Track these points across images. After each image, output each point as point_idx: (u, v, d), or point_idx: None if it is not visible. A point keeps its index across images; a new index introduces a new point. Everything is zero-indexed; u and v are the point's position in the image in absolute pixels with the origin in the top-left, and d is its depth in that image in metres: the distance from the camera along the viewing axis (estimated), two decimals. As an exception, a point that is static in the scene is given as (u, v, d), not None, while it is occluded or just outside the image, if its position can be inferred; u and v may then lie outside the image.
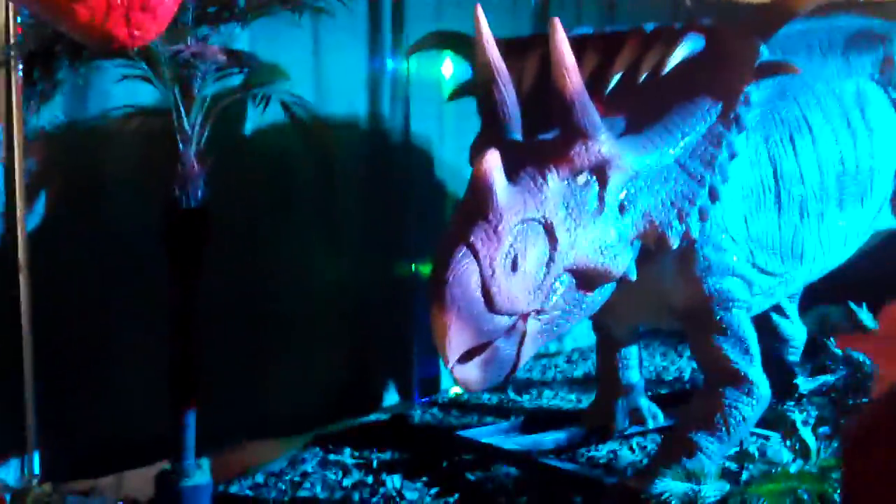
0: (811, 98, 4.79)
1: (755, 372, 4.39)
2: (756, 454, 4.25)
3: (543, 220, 3.63)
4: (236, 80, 4.50)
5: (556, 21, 3.58)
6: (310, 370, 5.44)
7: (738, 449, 4.36)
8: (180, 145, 4.23)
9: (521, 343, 3.68)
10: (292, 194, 5.31)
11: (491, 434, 5.25)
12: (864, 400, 4.76)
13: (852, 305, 4.85)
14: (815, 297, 5.52)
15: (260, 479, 4.88)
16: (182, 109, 4.20)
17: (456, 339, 3.46)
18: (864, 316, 4.83)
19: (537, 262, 3.62)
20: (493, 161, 3.54)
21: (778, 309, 5.61)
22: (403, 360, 5.98)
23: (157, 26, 2.63)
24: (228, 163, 4.61)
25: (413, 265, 5.91)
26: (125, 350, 4.73)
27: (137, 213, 4.59)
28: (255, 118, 4.97)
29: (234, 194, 4.84)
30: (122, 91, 4.48)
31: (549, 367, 6.70)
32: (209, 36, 4.21)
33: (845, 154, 4.79)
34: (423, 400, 6.01)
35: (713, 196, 4.04)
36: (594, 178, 3.76)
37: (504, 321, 3.58)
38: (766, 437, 4.80)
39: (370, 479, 4.84)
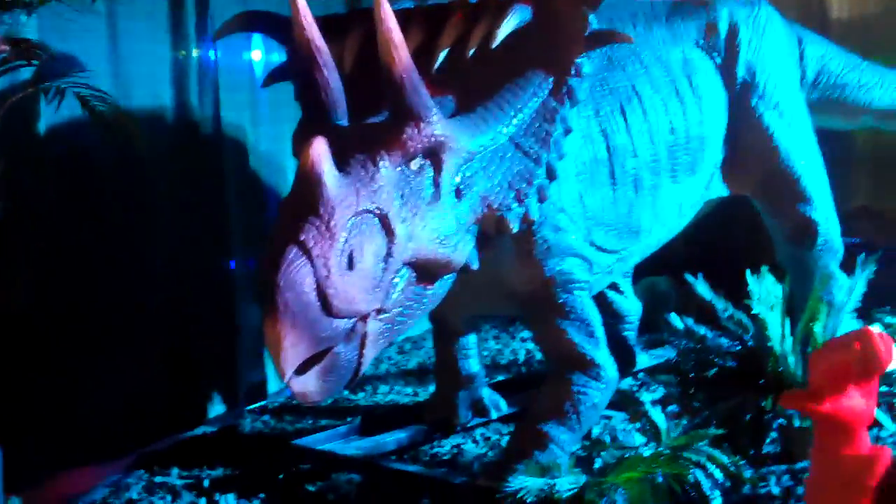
0: (639, 67, 4.72)
1: (602, 355, 4.29)
2: (608, 440, 4.14)
3: (378, 212, 3.40)
4: (25, 73, 4.12)
5: None
6: (126, 385, 5.00)
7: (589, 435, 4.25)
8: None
9: (362, 347, 3.43)
10: (97, 196, 4.88)
11: (328, 440, 4.97)
12: (710, 374, 4.73)
13: (688, 276, 4.77)
14: (641, 268, 5.44)
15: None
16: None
17: (291, 350, 3.19)
18: (701, 287, 4.76)
19: (375, 257, 3.38)
20: (320, 150, 3.27)
21: (611, 284, 5.52)
22: (228, 367, 5.63)
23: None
24: (23, 166, 4.20)
25: (233, 264, 5.56)
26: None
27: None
28: (50, 115, 4.51)
29: (31, 200, 4.41)
30: None
31: (381, 359, 6.44)
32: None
33: (675, 123, 4.74)
34: (252, 407, 5.66)
35: (550, 174, 3.92)
36: (428, 162, 3.55)
37: (343, 324, 3.33)
38: (609, 418, 4.75)
39: (202, 502, 4.49)
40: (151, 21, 5.15)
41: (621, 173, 4.51)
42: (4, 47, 3.78)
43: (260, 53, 5.66)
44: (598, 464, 3.90)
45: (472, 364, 5.07)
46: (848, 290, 4.83)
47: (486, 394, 5.13)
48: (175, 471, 4.82)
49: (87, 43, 4.64)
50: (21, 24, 4.10)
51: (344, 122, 3.57)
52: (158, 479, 4.75)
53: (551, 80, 3.87)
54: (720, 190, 5.17)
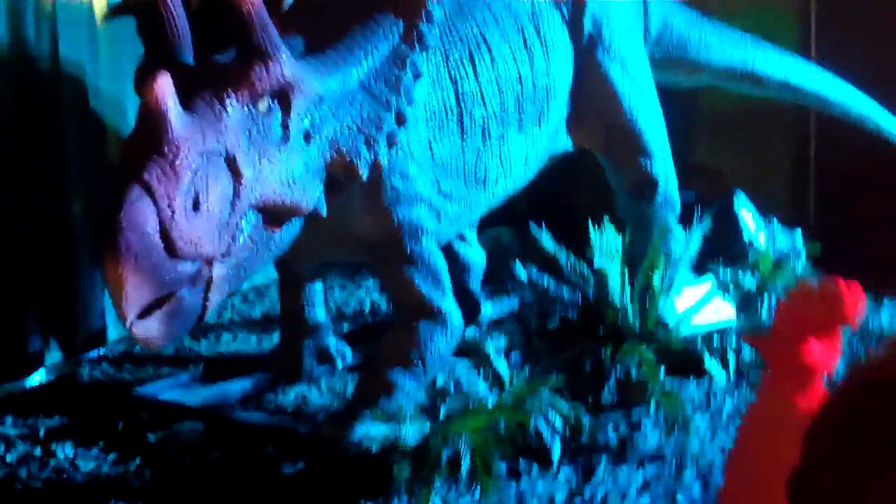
0: (488, 15, 4.71)
1: (448, 303, 4.32)
2: (452, 388, 4.16)
3: (225, 153, 3.32)
4: None
5: None
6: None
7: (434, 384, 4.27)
8: None
9: (206, 291, 3.36)
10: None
11: (170, 388, 4.86)
12: (552, 324, 4.82)
13: (533, 227, 4.82)
14: (487, 219, 5.47)
15: None
16: None
17: (134, 293, 3.09)
18: (544, 238, 4.83)
19: (221, 199, 3.31)
20: (164, 87, 3.16)
21: (457, 235, 5.54)
22: (64, 312, 5.43)
23: None
24: None
25: (70, 204, 5.34)
26: None
27: None
28: None
29: None
30: None
31: (225, 308, 6.32)
32: None
33: (523, 73, 4.75)
34: (90, 355, 5.47)
35: (400, 120, 3.91)
36: (277, 103, 3.49)
37: (187, 268, 3.25)
38: (454, 367, 4.77)
39: (38, 451, 4.33)
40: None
41: (469, 121, 4.50)
42: None
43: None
44: (442, 412, 3.91)
45: (318, 312, 5.02)
46: (684, 243, 4.98)
47: (332, 343, 5.09)
48: (8, 420, 4.64)
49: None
50: None
51: (189, 59, 3.45)
52: (-9, 428, 4.58)
53: (402, 24, 3.84)
54: (565, 143, 5.21)
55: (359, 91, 3.76)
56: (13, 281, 5.12)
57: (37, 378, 5.19)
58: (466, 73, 4.49)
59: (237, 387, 4.87)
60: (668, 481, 3.88)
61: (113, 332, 5.65)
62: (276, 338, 5.36)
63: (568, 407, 4.05)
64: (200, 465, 4.16)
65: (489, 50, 4.61)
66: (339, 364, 5.07)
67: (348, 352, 5.13)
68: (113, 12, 4.16)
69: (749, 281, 5.42)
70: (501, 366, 4.20)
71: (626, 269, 4.66)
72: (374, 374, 4.29)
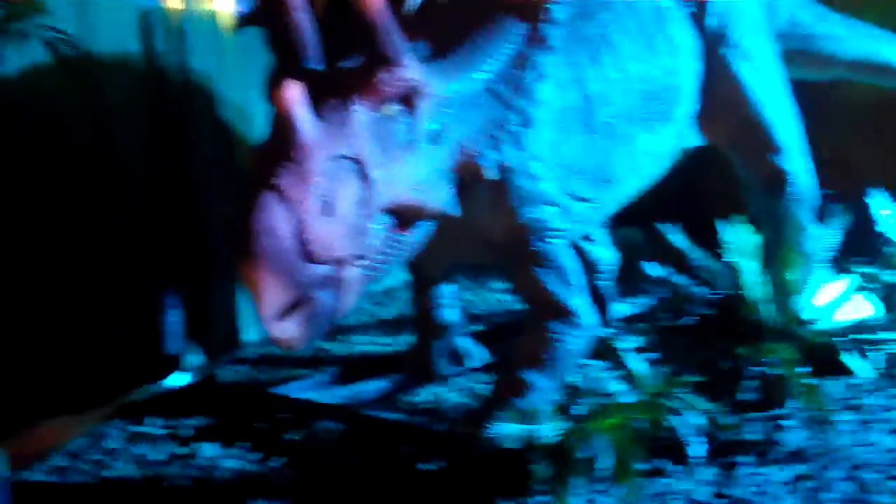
0: (612, 15, 4.66)
1: (579, 302, 4.28)
2: (586, 388, 4.15)
3: (354, 157, 3.36)
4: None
5: None
6: (102, 336, 5.01)
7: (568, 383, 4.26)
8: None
9: (339, 293, 3.41)
10: (62, 143, 4.79)
11: (306, 389, 4.96)
12: (685, 321, 4.75)
13: (663, 226, 4.78)
14: (616, 218, 5.43)
15: (61, 461, 4.42)
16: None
17: (270, 296, 3.18)
18: (675, 236, 4.78)
19: (351, 203, 3.35)
20: (294, 94, 3.24)
21: (587, 234, 5.51)
22: (202, 316, 5.59)
23: None
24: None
25: (203, 211, 5.50)
26: None
27: None
28: (13, 60, 4.43)
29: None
30: None
31: (357, 310, 6.40)
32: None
33: (649, 72, 4.70)
34: (228, 357, 5.62)
35: (525, 121, 3.91)
36: (403, 107, 3.52)
37: (321, 270, 3.30)
38: (587, 367, 4.74)
39: (183, 451, 4.46)
40: (115, -37, 5.05)
41: (595, 121, 4.46)
42: None
43: (228, -1, 5.57)
44: (577, 411, 3.90)
45: (450, 313, 5.06)
46: (821, 239, 4.86)
47: (464, 343, 5.13)
48: (154, 420, 4.79)
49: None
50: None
51: (317, 66, 3.52)
52: (135, 428, 4.72)
53: (525, 25, 3.84)
54: (694, 140, 5.15)
55: (484, 93, 3.78)
56: (152, 286, 5.30)
57: (177, 379, 5.35)
58: (591, 73, 4.46)
59: (371, 387, 4.96)
60: (813, 481, 3.78)
61: (248, 335, 5.80)
62: (407, 339, 5.42)
63: (706, 405, 3.99)
64: (339, 463, 4.23)
65: (614, 50, 4.57)
66: (471, 364, 5.11)
67: (480, 352, 5.16)
68: (240, 23, 4.24)
69: (889, 277, 5.25)
70: (636, 364, 4.17)
71: (761, 266, 4.57)
72: (508, 374, 4.29)
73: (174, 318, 5.45)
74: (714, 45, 5.01)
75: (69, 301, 4.86)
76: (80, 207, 4.89)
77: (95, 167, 4.96)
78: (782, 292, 4.55)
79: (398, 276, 6.04)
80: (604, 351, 4.36)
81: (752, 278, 4.53)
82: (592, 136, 4.46)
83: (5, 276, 4.51)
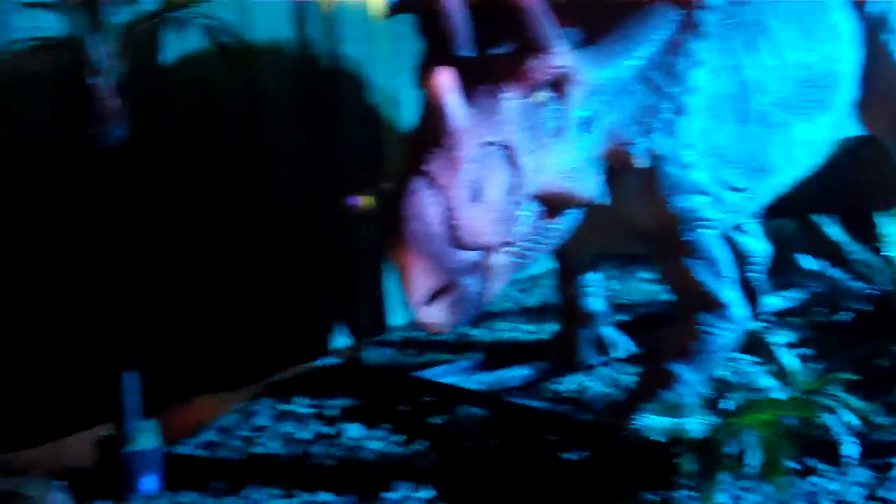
0: (768, 1, 4.53)
1: (730, 294, 4.18)
2: (736, 381, 4.05)
3: (504, 143, 3.35)
4: (149, 4, 4.13)
5: None
6: (251, 317, 5.15)
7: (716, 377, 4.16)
8: (92, 80, 3.83)
9: (487, 279, 3.40)
10: (218, 126, 4.95)
11: (451, 373, 4.99)
12: (840, 317, 4.61)
13: (818, 217, 4.63)
14: (770, 208, 5.29)
15: (211, 436, 4.56)
16: (92, 39, 3.79)
17: (420, 280, 3.20)
18: (832, 228, 4.63)
19: (500, 189, 3.34)
20: (446, 81, 3.24)
21: (739, 225, 5.39)
22: (348, 299, 5.69)
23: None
24: (147, 96, 4.26)
25: (351, 197, 5.58)
26: (55, 307, 4.37)
27: (50, 157, 4.20)
28: (174, 45, 4.57)
29: (156, 130, 4.48)
30: (25, 22, 4.08)
31: (501, 297, 6.41)
32: (115, -44, 3.81)
33: (806, 59, 4.56)
34: (373, 339, 5.70)
35: (678, 109, 3.82)
36: (554, 94, 3.48)
37: (469, 256, 3.30)
38: (737, 360, 4.64)
39: (328, 430, 4.55)
40: (273, -47, 5.15)
41: (750, 109, 4.34)
42: None
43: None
44: (726, 406, 3.81)
45: (596, 302, 5.02)
46: None
47: (610, 333, 5.08)
48: (300, 400, 4.89)
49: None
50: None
51: (468, 53, 3.51)
52: (284, 406, 4.84)
53: (678, 12, 3.75)
54: (852, 129, 4.98)
55: (635, 80, 3.71)
56: (301, 269, 5.40)
57: (324, 360, 5.45)
58: (747, 61, 4.34)
59: (516, 374, 4.96)
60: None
61: (395, 319, 5.86)
62: (551, 327, 5.39)
63: (861, 404, 3.85)
64: (482, 449, 4.25)
65: (770, 36, 4.44)
66: (617, 354, 5.06)
67: (626, 342, 5.10)
68: (391, 11, 4.26)
69: None
70: (788, 360, 4.05)
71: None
72: (655, 366, 4.22)
73: (323, 300, 5.55)
74: (875, 31, 4.86)
75: (222, 283, 5.00)
76: (234, 193, 5.04)
77: (248, 154, 5.11)
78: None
79: (543, 264, 6.01)
80: (755, 345, 4.25)
81: (912, 273, 4.37)
82: (747, 124, 4.35)
83: (160, 256, 4.66)
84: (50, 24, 4.08)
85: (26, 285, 4.33)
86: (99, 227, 4.00)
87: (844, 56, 4.74)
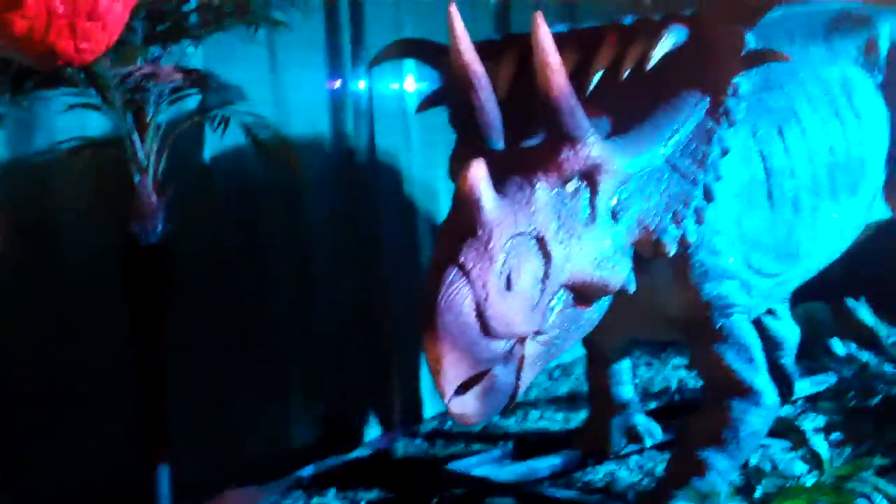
0: (796, 86, 4.60)
1: (761, 380, 4.17)
2: (768, 468, 4.03)
3: (535, 234, 3.38)
4: (191, 102, 4.24)
5: (540, 16, 3.28)
6: (285, 409, 5.18)
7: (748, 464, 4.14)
8: (136, 176, 3.94)
9: (519, 369, 3.41)
10: (258, 221, 5.05)
11: (481, 464, 4.96)
12: (873, 401, 4.58)
13: (850, 301, 4.64)
14: (799, 293, 5.29)
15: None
16: (136, 137, 3.91)
17: (452, 371, 3.19)
18: (863, 312, 4.63)
19: (532, 279, 3.36)
20: (478, 173, 3.27)
21: (769, 310, 5.39)
22: (382, 391, 5.69)
23: (106, 37, 2.29)
24: (189, 193, 4.34)
25: (387, 288, 5.63)
26: (86, 400, 4.39)
27: (93, 253, 4.29)
28: (214, 143, 4.69)
29: (196, 226, 4.56)
30: (70, 122, 4.17)
31: (532, 385, 6.40)
32: (160, 56, 3.92)
33: (835, 143, 4.61)
34: (405, 431, 5.69)
35: (707, 196, 3.84)
36: (584, 184, 3.52)
37: (501, 346, 3.31)
38: (768, 446, 4.61)
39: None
40: (310, 50, 5.28)
41: (780, 195, 4.38)
42: (177, 76, 3.88)
43: (412, 81, 5.74)
44: (758, 493, 3.80)
45: (626, 390, 5.01)
46: None
47: (641, 420, 5.05)
48: (332, 492, 4.87)
49: (249, 72, 4.75)
50: (187, 55, 4.20)
51: (500, 145, 3.57)
52: (316, 500, 4.82)
53: (708, 100, 3.79)
54: (882, 212, 5.00)
55: (665, 168, 3.74)
56: (336, 360, 5.42)
57: (357, 452, 5.43)
58: (776, 146, 4.39)
59: (546, 464, 4.92)
60: None
61: (427, 409, 5.87)
62: (582, 415, 5.38)
63: (894, 490, 3.82)
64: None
65: (799, 121, 4.50)
66: (648, 442, 5.02)
67: (657, 430, 5.07)
68: (426, 103, 4.35)
69: None
70: (820, 445, 4.05)
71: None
72: (685, 453, 4.19)
73: (357, 392, 5.57)
74: None
75: (258, 375, 5.03)
76: (272, 286, 5.10)
77: (286, 248, 5.19)
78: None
79: (573, 352, 6.02)
80: (786, 430, 4.23)
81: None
82: (776, 209, 4.39)
83: (199, 349, 4.71)
84: (95, 124, 4.19)
85: (65, 377, 4.37)
86: (141, 321, 4.05)
87: (872, 139, 4.78)
